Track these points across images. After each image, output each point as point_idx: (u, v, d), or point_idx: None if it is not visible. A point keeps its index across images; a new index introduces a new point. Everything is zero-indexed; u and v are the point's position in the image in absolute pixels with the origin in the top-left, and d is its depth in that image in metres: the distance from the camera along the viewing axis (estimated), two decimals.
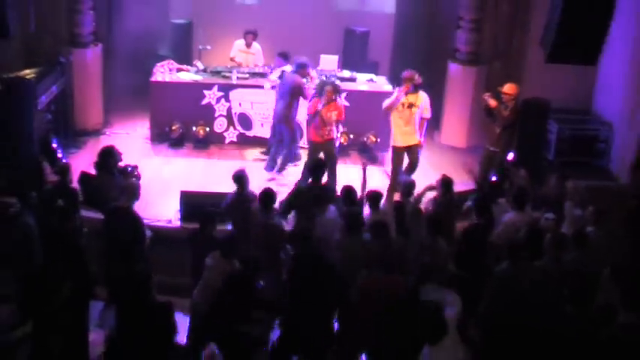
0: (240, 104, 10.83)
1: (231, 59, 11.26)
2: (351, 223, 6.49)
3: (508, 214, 7.40)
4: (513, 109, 9.33)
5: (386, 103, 9.38)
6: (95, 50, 10.92)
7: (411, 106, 9.38)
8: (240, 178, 7.38)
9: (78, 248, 6.37)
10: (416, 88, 9.32)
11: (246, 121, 10.85)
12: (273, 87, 10.08)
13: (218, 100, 10.72)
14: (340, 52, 11.96)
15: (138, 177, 8.14)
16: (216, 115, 10.86)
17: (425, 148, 9.76)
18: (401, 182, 8.18)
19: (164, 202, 8.79)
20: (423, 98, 9.37)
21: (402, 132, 9.41)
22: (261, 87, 10.49)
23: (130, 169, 8.32)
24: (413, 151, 9.46)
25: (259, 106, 10.78)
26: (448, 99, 11.52)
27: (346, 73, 11.20)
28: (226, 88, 10.67)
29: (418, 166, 9.44)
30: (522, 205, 7.42)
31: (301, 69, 9.57)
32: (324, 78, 10.14)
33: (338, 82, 10.22)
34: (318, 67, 11.07)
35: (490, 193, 8.16)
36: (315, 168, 7.64)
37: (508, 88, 9.33)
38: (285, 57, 10.17)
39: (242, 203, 7.23)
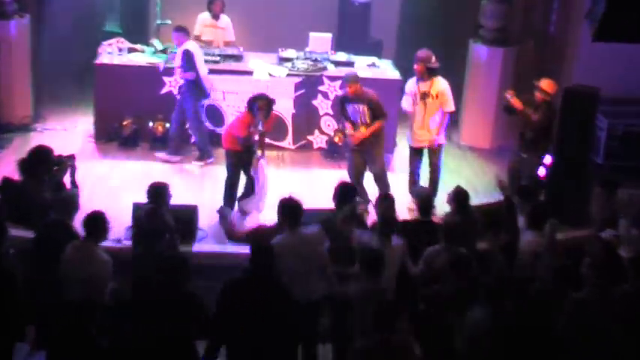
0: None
1: (197, 38, 11.19)
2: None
3: (525, 234, 7.45)
4: (546, 111, 9.19)
5: (405, 103, 9.46)
6: (21, 23, 10.78)
7: (425, 96, 9.35)
8: (155, 192, 7.24)
9: (8, 276, 6.16)
10: (431, 74, 9.25)
11: (216, 115, 10.76)
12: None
13: (181, 88, 10.61)
14: (334, 30, 12.05)
15: (74, 169, 7.87)
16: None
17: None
18: (414, 194, 8.27)
19: (112, 216, 8.48)
20: (440, 86, 9.30)
21: (414, 129, 9.48)
22: (236, 73, 10.47)
23: (63, 159, 8.03)
24: (431, 153, 9.48)
25: (233, 98, 10.72)
26: (469, 89, 11.54)
27: (342, 56, 11.20)
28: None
29: (440, 173, 9.51)
30: (540, 223, 7.44)
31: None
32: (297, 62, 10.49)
33: (330, 65, 10.62)
34: (306, 49, 11.12)
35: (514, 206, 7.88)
36: (344, 193, 7.52)
37: (546, 84, 9.16)
38: (185, 32, 10.13)
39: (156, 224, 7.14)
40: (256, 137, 8.63)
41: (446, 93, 9.30)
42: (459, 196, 7.63)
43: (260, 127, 8.48)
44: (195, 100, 10.09)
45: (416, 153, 9.53)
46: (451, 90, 9.45)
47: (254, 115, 8.56)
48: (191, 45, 9.97)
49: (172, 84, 10.56)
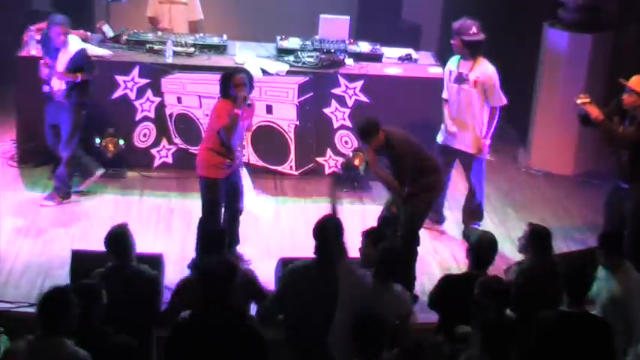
0: (179, 100, 10.23)
1: (151, 21, 11.08)
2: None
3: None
4: None
5: (445, 92, 9.43)
6: None
7: (460, 79, 9.24)
8: (116, 239, 6.91)
9: None
10: (472, 51, 9.06)
11: (190, 127, 10.25)
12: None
13: (141, 91, 10.15)
14: (354, 11, 11.94)
15: None
16: (138, 117, 10.27)
17: (502, 173, 10.24)
18: (467, 237, 8.17)
19: (41, 268, 8.64)
20: (483, 70, 9.13)
21: (446, 120, 9.36)
22: (217, 70, 9.65)
23: None
24: (463, 159, 9.36)
25: (212, 104, 9.89)
26: (543, 91, 11.25)
27: (364, 47, 10.77)
28: (156, 72, 10.14)
29: (484, 195, 9.41)
30: None
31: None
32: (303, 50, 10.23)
33: (348, 59, 10.24)
34: (315, 36, 10.66)
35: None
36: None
37: (637, 83, 8.41)
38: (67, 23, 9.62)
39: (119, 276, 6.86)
40: (245, 133, 8.62)
41: (490, 80, 9.10)
42: (538, 236, 7.09)
43: (248, 101, 8.22)
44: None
45: (445, 155, 9.27)
46: (518, 93, 9.51)
47: (233, 98, 8.16)
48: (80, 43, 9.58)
49: (128, 85, 10.02)
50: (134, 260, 6.89)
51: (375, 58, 10.72)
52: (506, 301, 6.27)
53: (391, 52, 10.90)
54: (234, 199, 8.50)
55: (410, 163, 8.07)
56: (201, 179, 8.45)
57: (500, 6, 12.00)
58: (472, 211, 9.38)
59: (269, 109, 10.15)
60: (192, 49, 10.40)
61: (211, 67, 10.15)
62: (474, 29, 9.03)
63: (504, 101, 9.20)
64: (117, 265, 6.82)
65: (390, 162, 8.20)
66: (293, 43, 10.75)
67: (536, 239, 7.11)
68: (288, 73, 10.24)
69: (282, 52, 10.55)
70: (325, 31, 10.78)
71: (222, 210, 8.51)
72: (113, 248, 6.84)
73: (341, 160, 10.51)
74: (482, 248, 6.89)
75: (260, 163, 10.26)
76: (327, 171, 10.54)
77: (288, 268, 6.79)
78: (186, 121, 10.32)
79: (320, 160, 10.61)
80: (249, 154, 10.16)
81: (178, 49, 10.29)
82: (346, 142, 10.54)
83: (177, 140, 10.37)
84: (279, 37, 10.74)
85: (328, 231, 6.48)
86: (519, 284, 6.86)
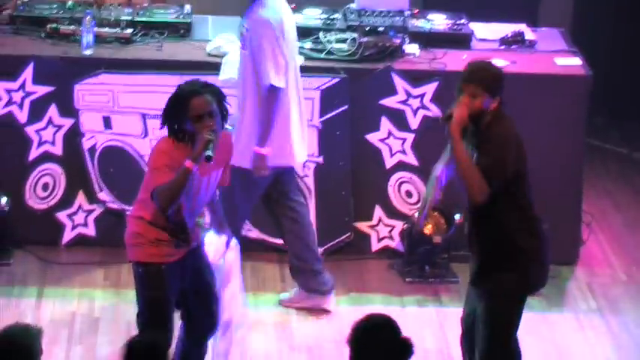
0: (107, 122, 8.32)
1: None
2: None
3: None
4: None
5: None
6: None
7: None
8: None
9: None
10: None
11: (126, 172, 8.29)
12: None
13: (37, 109, 8.30)
14: None
15: None
16: (33, 155, 8.39)
17: None
18: None
19: None
20: None
21: None
22: (173, 67, 8.11)
23: None
24: None
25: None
26: None
27: (438, 21, 8.60)
28: (64, 74, 8.23)
29: None
30: None
31: None
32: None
33: (411, 46, 8.39)
34: (352, 4, 8.65)
35: None
36: None
37: None
38: None
39: None
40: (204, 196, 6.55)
41: None
42: None
43: (209, 152, 6.20)
44: None
45: None
46: None
47: (188, 138, 6.26)
48: None
49: (13, 99, 8.27)
50: None
51: (459, 40, 8.13)
52: None
53: (487, 31, 8.32)
54: (200, 299, 6.61)
55: (511, 168, 6.25)
56: (133, 266, 6.58)
57: None
58: None
59: None
60: (129, 31, 8.00)
61: (164, 62, 7.80)
62: None
63: None
64: None
65: (480, 152, 6.33)
66: (311, 16, 8.26)
67: None
68: (303, 70, 7.64)
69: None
70: None
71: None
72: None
73: (400, 226, 7.95)
74: None
75: (255, 233, 7.91)
76: (376, 246, 8.09)
77: None
78: (119, 159, 8.02)
79: (362, 226, 8.16)
80: None
81: (105, 30, 8.04)
82: (409, 194, 8.04)
83: (103, 195, 8.15)
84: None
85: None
86: None
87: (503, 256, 6.18)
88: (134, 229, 6.32)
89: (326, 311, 7.61)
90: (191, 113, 6.05)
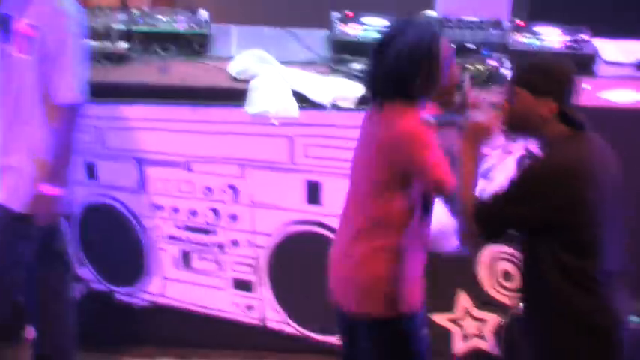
0: (92, 172, 7.14)
1: None
2: None
3: None
4: None
5: None
6: None
7: None
8: None
9: None
10: None
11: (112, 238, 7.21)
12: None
13: None
14: None
15: None
16: None
17: None
18: None
19: None
20: None
21: None
22: (189, 97, 6.57)
23: None
24: None
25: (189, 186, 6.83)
26: None
27: (549, 37, 7.36)
28: None
29: None
30: None
31: None
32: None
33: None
34: (428, 10, 7.40)
35: None
36: None
37: None
38: None
39: None
40: None
41: None
42: None
43: None
44: None
45: None
46: None
47: None
48: None
49: None
50: None
51: (580, 63, 6.50)
52: None
53: (617, 51, 6.86)
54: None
55: (531, 218, 4.89)
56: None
57: None
58: None
59: (313, 195, 6.34)
60: (123, 45, 6.61)
61: (171, 89, 6.19)
62: None
63: None
64: None
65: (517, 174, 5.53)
66: (372, 28, 6.77)
67: None
68: (363, 104, 6.29)
69: (345, 50, 6.54)
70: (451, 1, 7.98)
71: None
72: None
73: (492, 321, 6.55)
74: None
75: (292, 327, 6.41)
76: (458, 347, 6.72)
77: None
78: (106, 221, 6.63)
79: (440, 319, 6.69)
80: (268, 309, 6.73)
81: (91, 44, 6.42)
82: (506, 276, 6.67)
83: (85, 272, 6.75)
84: (336, 16, 6.87)
85: None
86: None
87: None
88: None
89: None
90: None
